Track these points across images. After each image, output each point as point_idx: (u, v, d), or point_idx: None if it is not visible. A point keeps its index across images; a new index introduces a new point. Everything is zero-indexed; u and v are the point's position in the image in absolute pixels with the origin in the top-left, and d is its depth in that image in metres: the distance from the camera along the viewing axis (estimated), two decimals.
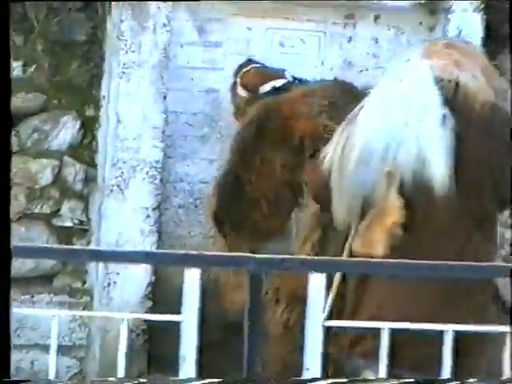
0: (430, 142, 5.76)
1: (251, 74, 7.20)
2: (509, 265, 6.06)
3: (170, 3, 7.45)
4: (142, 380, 4.68)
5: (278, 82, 7.08)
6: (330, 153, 5.75)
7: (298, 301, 5.59)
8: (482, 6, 7.79)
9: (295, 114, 6.59)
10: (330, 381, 4.67)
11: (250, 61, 7.40)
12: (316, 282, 4.91)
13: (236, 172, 6.82)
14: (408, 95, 5.83)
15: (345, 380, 4.83)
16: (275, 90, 7.04)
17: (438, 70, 5.82)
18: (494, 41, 8.05)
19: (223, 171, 6.95)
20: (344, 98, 6.63)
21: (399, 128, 5.76)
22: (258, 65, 7.40)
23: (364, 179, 5.74)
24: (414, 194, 5.73)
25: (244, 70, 7.31)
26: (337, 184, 5.75)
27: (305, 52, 7.93)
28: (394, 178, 5.70)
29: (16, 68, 7.63)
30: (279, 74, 7.18)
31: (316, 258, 6.05)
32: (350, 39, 7.76)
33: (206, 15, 7.61)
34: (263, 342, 5.36)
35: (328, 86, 6.84)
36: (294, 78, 7.17)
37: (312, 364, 4.97)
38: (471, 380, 4.86)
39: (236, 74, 7.34)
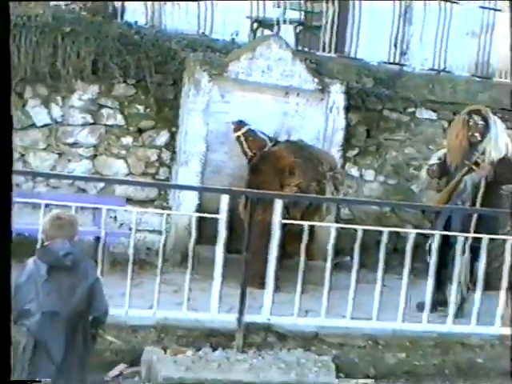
0: None
1: (251, 143, 7.18)
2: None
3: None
4: None
5: (264, 149, 7.13)
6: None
7: (268, 221, 5.52)
8: (344, 90, 7.87)
9: (282, 157, 6.84)
10: None
11: (242, 122, 7.32)
12: (278, 206, 5.42)
13: (253, 171, 7.03)
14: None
15: None
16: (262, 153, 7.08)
17: None
18: (351, 108, 8.10)
19: (250, 168, 7.15)
20: (300, 153, 6.91)
21: None
22: (250, 128, 7.25)
23: None
24: None
25: (244, 131, 7.23)
26: None
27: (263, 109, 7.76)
28: None
29: (141, 109, 7.65)
30: (264, 143, 7.18)
31: (281, 192, 6.36)
32: (287, 102, 7.78)
33: (224, 90, 7.58)
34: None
35: (292, 149, 7.00)
36: (270, 139, 7.23)
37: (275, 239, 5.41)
38: None
39: (236, 129, 7.30)
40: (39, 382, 3.34)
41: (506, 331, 5.73)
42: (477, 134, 6.32)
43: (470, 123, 6.31)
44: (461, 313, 5.99)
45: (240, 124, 7.32)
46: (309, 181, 6.71)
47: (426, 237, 6.22)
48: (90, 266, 4.10)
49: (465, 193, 6.24)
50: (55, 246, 3.88)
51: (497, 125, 6.36)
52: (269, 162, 6.99)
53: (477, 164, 6.26)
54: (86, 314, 3.93)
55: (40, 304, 3.78)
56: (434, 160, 6.76)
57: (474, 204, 6.20)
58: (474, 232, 5.90)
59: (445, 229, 6.06)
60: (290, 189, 6.62)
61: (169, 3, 8.02)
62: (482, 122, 6.30)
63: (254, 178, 6.97)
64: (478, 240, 5.71)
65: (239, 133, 7.27)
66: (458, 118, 6.53)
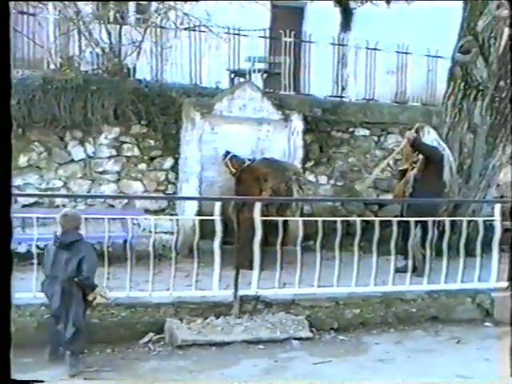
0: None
1: (234, 164, 7.11)
2: None
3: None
4: None
5: (244, 166, 7.06)
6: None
7: (252, 219, 5.39)
8: (302, 118, 7.73)
9: (257, 169, 6.79)
10: None
11: (228, 152, 7.24)
12: (257, 207, 5.31)
13: (238, 182, 6.98)
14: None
15: None
16: (242, 169, 7.04)
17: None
18: (307, 131, 8.07)
19: (235, 181, 7.05)
20: (271, 165, 6.89)
21: None
22: (233, 155, 7.17)
23: None
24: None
25: (229, 157, 7.15)
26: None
27: (242, 136, 7.57)
28: None
29: (152, 143, 7.54)
30: (243, 162, 7.09)
31: (259, 197, 6.31)
32: (260, 130, 7.66)
33: (212, 124, 7.46)
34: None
35: (265, 163, 6.99)
36: (248, 159, 7.16)
37: (258, 233, 5.26)
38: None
39: (224, 158, 7.22)
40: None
41: (433, 287, 5.75)
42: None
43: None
44: (421, 273, 5.93)
45: (226, 154, 7.30)
46: (279, 183, 6.74)
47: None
48: (84, 246, 4.39)
49: (409, 184, 6.54)
50: (60, 234, 4.39)
51: (425, 134, 6.70)
52: (249, 174, 6.98)
53: (415, 162, 6.53)
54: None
55: (47, 270, 4.40)
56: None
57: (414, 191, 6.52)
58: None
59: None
60: (267, 191, 6.59)
61: (168, 64, 7.95)
62: (416, 135, 6.63)
63: (239, 187, 7.00)
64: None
65: (226, 159, 7.26)
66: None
